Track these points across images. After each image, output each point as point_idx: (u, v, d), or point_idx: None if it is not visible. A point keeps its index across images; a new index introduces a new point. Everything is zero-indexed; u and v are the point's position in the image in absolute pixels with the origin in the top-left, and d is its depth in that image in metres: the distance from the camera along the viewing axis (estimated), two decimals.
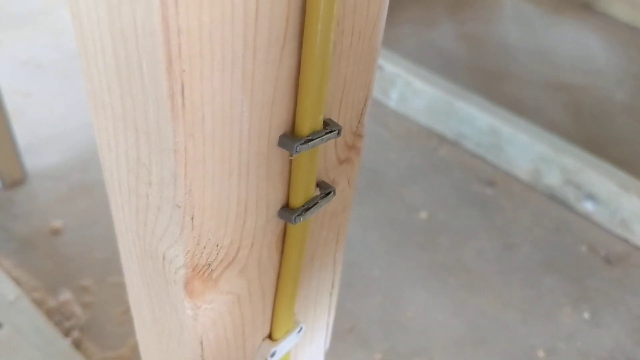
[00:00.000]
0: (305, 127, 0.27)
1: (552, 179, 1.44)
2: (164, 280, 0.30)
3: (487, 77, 1.78)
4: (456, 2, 2.08)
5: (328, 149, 0.32)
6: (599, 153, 1.45)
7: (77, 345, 1.13)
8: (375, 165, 1.51)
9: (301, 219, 0.31)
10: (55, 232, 1.31)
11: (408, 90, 1.58)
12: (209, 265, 0.29)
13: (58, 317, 1.17)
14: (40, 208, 1.36)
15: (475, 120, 1.50)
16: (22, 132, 1.48)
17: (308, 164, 0.29)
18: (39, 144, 1.50)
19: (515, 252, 1.36)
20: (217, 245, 0.29)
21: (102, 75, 0.24)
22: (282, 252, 0.33)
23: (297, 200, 0.31)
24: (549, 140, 1.44)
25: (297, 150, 0.27)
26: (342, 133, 0.29)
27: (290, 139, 0.28)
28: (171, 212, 0.26)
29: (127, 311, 1.19)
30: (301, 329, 0.39)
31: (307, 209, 0.31)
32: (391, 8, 2.02)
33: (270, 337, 0.38)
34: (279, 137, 0.28)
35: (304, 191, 0.30)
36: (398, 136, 1.60)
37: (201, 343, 0.32)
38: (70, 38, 1.81)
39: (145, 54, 0.21)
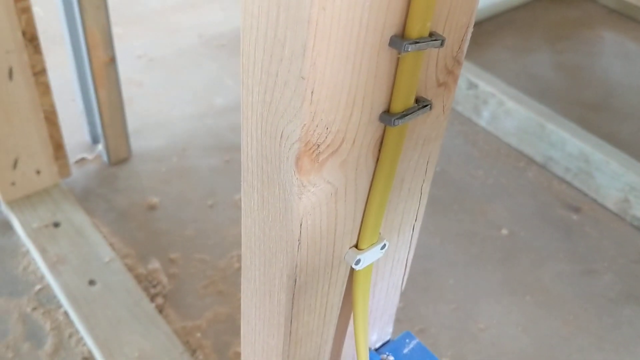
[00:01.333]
0: (415, 30, 0.31)
1: None
2: (278, 158, 0.35)
3: (582, 108, 1.77)
4: (555, 32, 2.08)
5: (430, 66, 0.36)
6: None
7: (159, 310, 1.20)
8: (462, 180, 1.53)
9: (399, 122, 0.35)
10: (151, 208, 1.41)
11: (500, 110, 1.60)
12: (318, 146, 0.33)
13: (145, 283, 1.25)
14: (140, 185, 1.46)
15: (566, 145, 1.49)
16: (132, 116, 1.60)
17: (412, 67, 0.33)
18: (145, 128, 1.62)
19: (596, 279, 1.33)
20: (327, 129, 0.33)
21: None
22: (377, 161, 0.37)
23: (398, 106, 0.35)
24: None
25: (405, 48, 0.32)
26: (443, 49, 0.33)
27: (400, 39, 0.32)
28: (296, 85, 0.31)
29: (208, 286, 1.26)
30: (385, 245, 0.42)
31: (405, 115, 0.35)
32: (489, 33, 2.05)
33: (356, 247, 0.42)
34: (391, 37, 0.32)
35: (404, 96, 0.34)
36: (487, 155, 1.61)
37: (300, 225, 0.37)
38: (181, 37, 1.94)
39: None
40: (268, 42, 0.31)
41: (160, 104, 1.70)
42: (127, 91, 1.68)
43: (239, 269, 1.30)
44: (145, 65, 1.83)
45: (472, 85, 1.64)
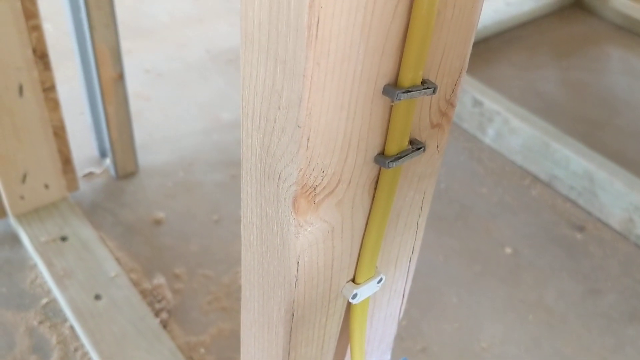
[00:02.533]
0: (407, 79, 0.33)
1: None
2: (276, 198, 0.36)
3: (588, 125, 1.77)
4: (561, 49, 2.09)
5: (423, 110, 0.37)
6: None
7: (164, 325, 1.21)
8: (466, 198, 1.54)
9: (394, 165, 0.36)
10: (157, 223, 1.42)
11: (505, 128, 1.61)
12: (314, 188, 0.35)
13: (150, 298, 1.26)
14: (147, 199, 1.47)
15: (570, 164, 1.50)
16: (139, 131, 1.62)
17: (405, 114, 0.35)
18: (152, 143, 1.63)
19: (600, 299, 1.34)
20: (323, 172, 0.34)
21: (256, 16, 0.30)
22: (373, 198, 0.39)
23: (392, 149, 0.36)
24: None
25: (398, 97, 0.33)
26: (437, 94, 0.34)
27: (393, 88, 0.33)
28: (292, 132, 0.32)
29: (212, 302, 1.27)
30: (381, 279, 0.43)
31: (399, 158, 0.36)
32: (495, 49, 2.06)
33: (353, 281, 0.43)
34: (384, 86, 0.33)
35: (398, 140, 0.35)
36: (491, 172, 1.62)
37: (297, 262, 0.38)
38: (188, 52, 1.96)
39: None
40: (266, 90, 0.33)
41: (168, 118, 1.72)
42: (135, 105, 1.70)
43: None
44: (153, 79, 1.85)
45: (477, 103, 1.65)
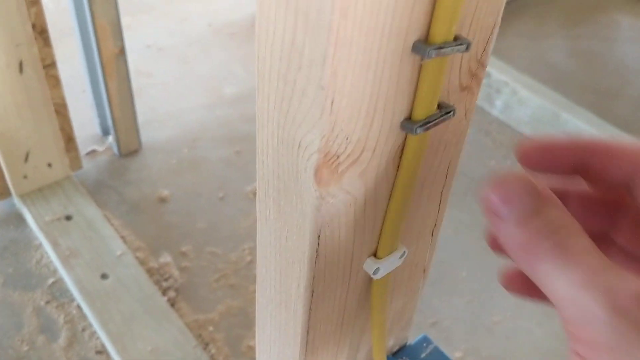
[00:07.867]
0: (440, 34, 0.30)
1: None
2: (296, 169, 0.34)
3: (599, 96, 1.74)
4: (570, 17, 2.05)
5: (453, 71, 0.35)
6: None
7: (171, 304, 1.20)
8: (475, 171, 1.51)
9: (421, 130, 0.33)
10: (162, 200, 1.40)
11: (513, 99, 1.57)
12: (338, 157, 0.32)
13: (157, 277, 1.25)
14: (151, 177, 1.45)
15: (581, 135, 1.47)
16: (142, 107, 1.59)
17: (436, 73, 0.32)
18: (155, 119, 1.61)
19: None
20: (347, 139, 0.32)
21: None
22: (398, 167, 0.36)
23: (420, 113, 0.33)
24: None
25: (429, 54, 0.30)
26: (469, 50, 0.32)
27: (424, 44, 0.30)
28: (314, 94, 0.30)
29: (219, 279, 1.26)
30: (404, 253, 0.41)
31: (427, 123, 0.34)
32: (502, 19, 2.01)
33: (375, 255, 0.40)
34: (414, 43, 0.31)
35: (427, 103, 0.33)
36: (500, 145, 1.59)
37: (319, 237, 0.36)
38: (190, 25, 1.92)
39: None
40: (285, 48, 0.30)
41: (170, 94, 1.69)
42: (137, 82, 1.66)
43: (251, 262, 1.29)
44: (155, 55, 1.81)
45: (485, 74, 1.61)
